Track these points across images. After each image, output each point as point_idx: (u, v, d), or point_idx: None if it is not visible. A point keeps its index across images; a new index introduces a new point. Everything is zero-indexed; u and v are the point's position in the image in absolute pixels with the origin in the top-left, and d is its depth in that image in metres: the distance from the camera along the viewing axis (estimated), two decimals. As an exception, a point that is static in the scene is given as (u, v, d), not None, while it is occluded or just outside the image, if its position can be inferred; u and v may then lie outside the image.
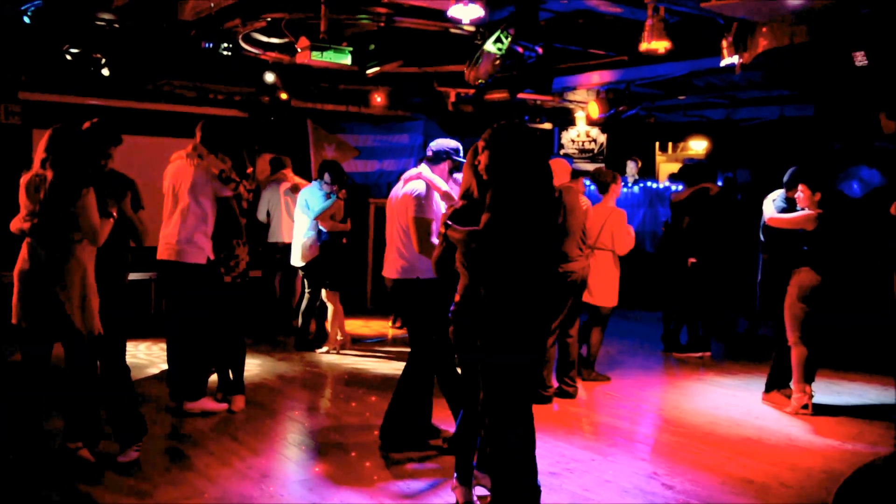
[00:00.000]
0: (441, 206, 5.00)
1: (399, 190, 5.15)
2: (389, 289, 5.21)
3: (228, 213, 5.85)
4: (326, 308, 8.31)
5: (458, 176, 5.09)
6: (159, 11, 7.32)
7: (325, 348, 8.26)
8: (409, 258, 5.06)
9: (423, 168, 5.11)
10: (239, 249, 5.92)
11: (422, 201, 4.96)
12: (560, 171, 6.63)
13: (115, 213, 4.63)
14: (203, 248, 5.72)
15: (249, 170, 6.01)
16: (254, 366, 7.36)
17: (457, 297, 4.07)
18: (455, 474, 4.22)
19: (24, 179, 4.56)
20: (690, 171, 8.79)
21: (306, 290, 8.42)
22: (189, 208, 5.69)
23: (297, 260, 8.24)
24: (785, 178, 6.68)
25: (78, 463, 4.58)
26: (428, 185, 5.01)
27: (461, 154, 5.12)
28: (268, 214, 8.79)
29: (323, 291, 8.20)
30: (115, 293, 4.91)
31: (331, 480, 4.65)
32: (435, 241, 4.90)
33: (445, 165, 5.11)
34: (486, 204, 3.81)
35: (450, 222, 4.03)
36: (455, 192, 4.98)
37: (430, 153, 5.15)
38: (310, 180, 9.46)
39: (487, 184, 3.87)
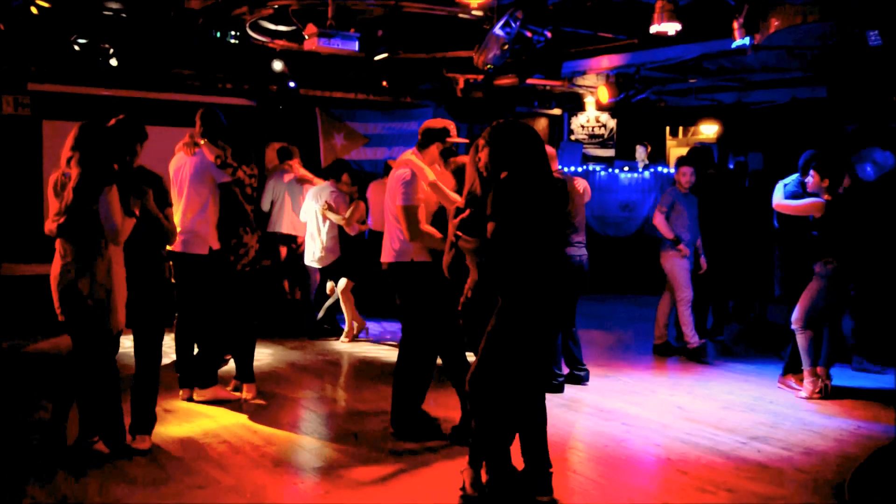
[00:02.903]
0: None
1: (391, 175, 5.17)
2: (385, 273, 5.22)
3: (232, 200, 5.81)
4: (338, 299, 8.34)
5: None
6: (167, 0, 7.31)
7: (343, 338, 8.28)
8: (402, 241, 5.06)
9: (412, 154, 5.07)
10: (247, 237, 5.87)
11: (407, 189, 4.94)
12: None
13: (137, 212, 4.60)
14: (205, 237, 5.70)
15: (253, 163, 5.95)
16: (266, 355, 7.37)
17: (468, 292, 4.11)
18: (468, 458, 4.22)
19: (51, 179, 4.57)
20: (697, 155, 8.71)
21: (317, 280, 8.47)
22: (189, 198, 5.69)
23: (313, 261, 8.23)
24: (800, 163, 6.62)
25: (92, 454, 4.61)
26: (414, 172, 4.98)
27: (450, 134, 5.10)
28: (271, 204, 8.76)
29: (329, 283, 8.24)
30: (151, 289, 4.88)
31: (343, 468, 4.64)
32: (426, 227, 4.91)
33: (435, 148, 5.08)
34: (489, 209, 3.81)
35: (459, 233, 4.04)
36: (445, 180, 4.97)
37: (419, 136, 5.13)
38: (318, 169, 9.45)
39: (489, 180, 3.89)
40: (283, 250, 8.59)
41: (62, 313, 4.52)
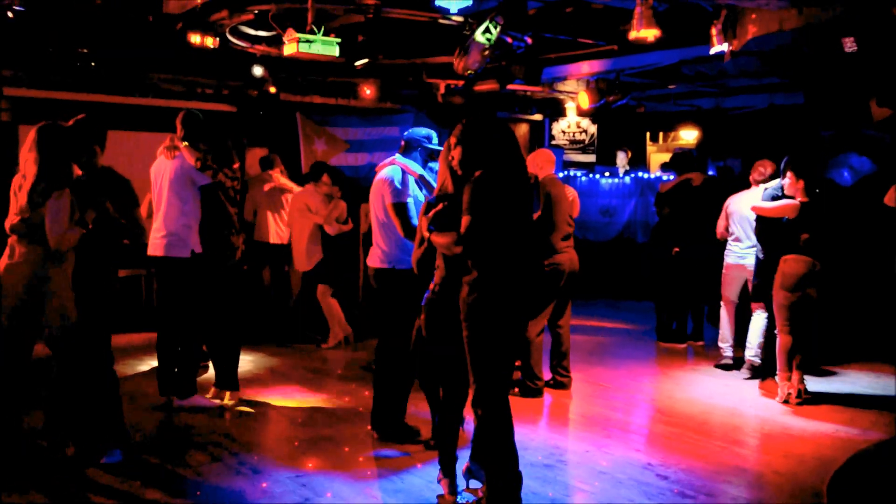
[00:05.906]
0: (418, 192, 5.04)
1: (375, 179, 5.20)
2: (371, 277, 5.26)
3: (215, 202, 5.80)
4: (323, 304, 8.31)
5: (434, 165, 5.11)
6: (145, 5, 7.26)
7: (330, 343, 8.24)
8: (385, 247, 5.12)
9: (397, 157, 5.15)
10: (233, 237, 5.90)
11: (397, 186, 5.02)
12: (545, 162, 6.62)
13: (90, 223, 4.54)
14: (186, 241, 5.68)
15: (236, 164, 5.97)
16: (246, 361, 7.32)
17: (433, 287, 4.06)
18: (439, 466, 4.21)
19: (14, 181, 4.54)
20: (679, 161, 8.78)
21: (299, 287, 8.43)
22: (170, 202, 5.67)
23: (301, 265, 8.23)
24: (782, 167, 6.68)
25: (63, 461, 4.55)
26: (403, 169, 5.05)
27: (433, 141, 5.15)
28: (254, 213, 8.74)
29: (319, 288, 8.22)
30: (100, 294, 4.81)
31: (323, 475, 4.62)
32: (417, 223, 4.91)
33: (418, 154, 5.16)
34: (464, 204, 3.79)
35: (432, 227, 4.01)
36: (432, 179, 5.01)
37: (402, 143, 5.20)
38: (299, 174, 9.44)
39: (462, 179, 3.87)
40: (267, 273, 8.67)
41: (7, 316, 4.42)
